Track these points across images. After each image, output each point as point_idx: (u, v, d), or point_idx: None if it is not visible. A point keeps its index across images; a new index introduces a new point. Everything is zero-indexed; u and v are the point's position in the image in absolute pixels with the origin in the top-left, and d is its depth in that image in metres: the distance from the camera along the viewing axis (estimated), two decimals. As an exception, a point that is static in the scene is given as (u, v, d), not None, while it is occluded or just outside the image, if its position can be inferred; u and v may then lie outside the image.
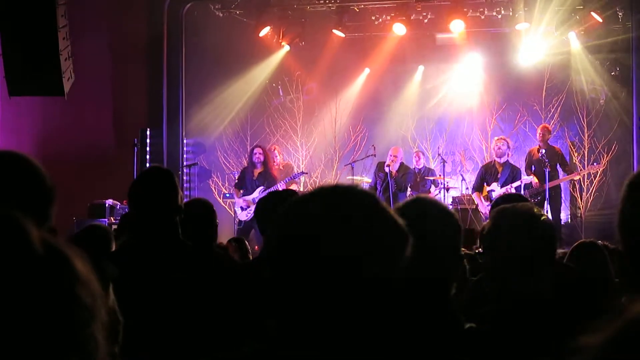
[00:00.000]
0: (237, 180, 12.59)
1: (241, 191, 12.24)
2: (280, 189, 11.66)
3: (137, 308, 2.72)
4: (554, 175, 11.69)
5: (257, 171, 12.12)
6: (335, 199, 1.41)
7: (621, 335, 1.01)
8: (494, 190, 11.42)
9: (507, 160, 11.72)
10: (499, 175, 11.55)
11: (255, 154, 12.19)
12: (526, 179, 11.55)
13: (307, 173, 13.56)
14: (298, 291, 1.35)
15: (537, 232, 2.58)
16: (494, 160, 11.82)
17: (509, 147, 11.80)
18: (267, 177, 12.03)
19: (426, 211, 2.18)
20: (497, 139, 11.97)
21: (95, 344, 1.07)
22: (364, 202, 1.42)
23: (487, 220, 2.71)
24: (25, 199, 2.02)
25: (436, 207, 2.24)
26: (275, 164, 12.88)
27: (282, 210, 1.43)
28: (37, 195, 2.05)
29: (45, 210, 2.05)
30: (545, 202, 11.29)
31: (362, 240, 1.36)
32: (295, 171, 13.52)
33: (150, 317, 3.10)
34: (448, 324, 2.09)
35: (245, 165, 12.82)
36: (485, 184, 11.75)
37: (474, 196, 11.95)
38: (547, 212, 11.20)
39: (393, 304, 1.40)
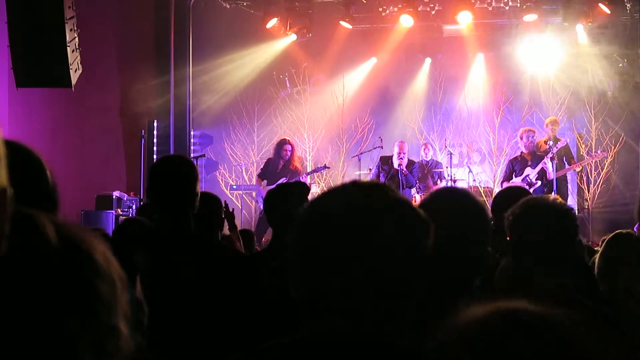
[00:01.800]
0: (261, 170, 12.73)
1: (264, 181, 12.33)
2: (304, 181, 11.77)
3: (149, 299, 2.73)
4: (560, 167, 11.67)
5: (281, 164, 12.41)
6: (360, 192, 1.42)
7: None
8: (529, 175, 11.39)
9: (534, 149, 11.69)
10: (529, 163, 11.53)
11: (285, 150, 12.45)
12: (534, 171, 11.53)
13: (329, 167, 13.55)
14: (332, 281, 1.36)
15: (563, 223, 2.59)
16: (522, 152, 11.75)
17: (534, 137, 11.76)
18: (289, 171, 12.18)
19: (458, 202, 2.18)
20: (527, 130, 11.85)
21: (117, 336, 1.07)
22: (387, 194, 1.43)
23: (513, 211, 2.70)
24: (31, 189, 2.02)
25: (468, 198, 2.23)
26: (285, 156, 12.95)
27: (303, 209, 1.44)
28: (42, 185, 2.05)
29: (51, 199, 2.05)
30: (553, 193, 11.27)
31: (393, 230, 1.37)
32: (306, 165, 13.56)
33: (159, 308, 3.11)
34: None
35: (271, 157, 12.87)
36: (514, 175, 11.71)
37: (504, 185, 11.85)
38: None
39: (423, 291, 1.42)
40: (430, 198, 2.24)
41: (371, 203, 1.39)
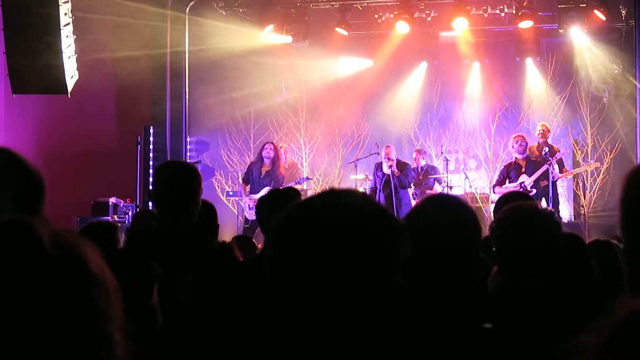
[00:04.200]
0: (244, 175, 12.56)
1: (248, 186, 12.18)
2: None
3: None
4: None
5: (264, 168, 12.04)
6: (334, 199, 1.43)
7: (614, 336, 1.03)
8: (524, 182, 11.40)
9: (527, 155, 11.69)
10: (523, 170, 11.54)
11: (266, 149, 12.09)
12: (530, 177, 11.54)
13: (312, 178, 13.53)
14: (302, 291, 1.36)
15: (544, 228, 2.62)
16: (516, 158, 11.76)
17: (527, 142, 11.76)
18: (273, 177, 11.97)
19: (447, 208, 2.18)
20: (515, 137, 11.88)
21: (112, 344, 1.07)
22: (359, 200, 1.43)
23: (493, 219, 2.73)
24: (16, 192, 2.02)
25: (457, 204, 2.24)
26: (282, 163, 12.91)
27: (285, 211, 1.44)
28: (27, 188, 2.05)
29: (36, 202, 2.05)
30: (547, 199, 11.27)
31: (364, 236, 1.37)
32: (300, 171, 13.51)
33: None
34: (465, 325, 2.09)
35: (253, 160, 12.76)
36: (507, 181, 11.71)
37: (496, 189, 11.86)
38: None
39: (404, 302, 1.41)
40: (419, 206, 2.24)
41: (339, 212, 1.39)
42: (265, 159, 12.03)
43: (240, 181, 12.76)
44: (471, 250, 2.17)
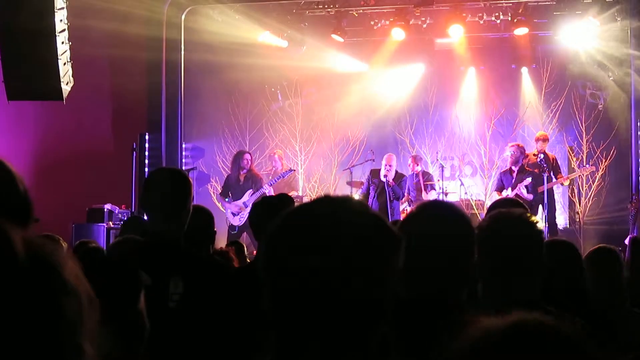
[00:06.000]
0: (222, 189, 12.61)
1: (227, 199, 12.23)
2: (268, 189, 11.74)
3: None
4: (548, 181, 11.69)
5: (242, 175, 12.23)
6: (325, 208, 1.42)
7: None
8: (508, 195, 11.44)
9: (521, 164, 11.73)
10: (513, 181, 11.62)
11: (245, 159, 12.32)
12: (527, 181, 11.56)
13: (294, 170, 13.54)
14: (290, 302, 1.35)
15: (529, 236, 2.62)
16: (510, 167, 11.85)
17: (522, 152, 11.80)
18: (253, 179, 12.11)
19: (441, 214, 2.18)
20: (510, 146, 11.98)
21: (81, 356, 1.06)
22: (355, 208, 1.42)
23: (480, 225, 2.73)
24: (3, 201, 2.00)
25: (451, 210, 2.23)
26: (274, 168, 12.89)
27: (279, 218, 1.43)
28: (14, 197, 2.02)
29: (25, 212, 2.02)
30: (543, 207, 11.29)
31: (352, 245, 1.36)
32: (297, 178, 13.51)
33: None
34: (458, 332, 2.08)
35: (229, 172, 12.85)
36: (504, 186, 11.81)
37: (494, 194, 11.98)
38: (544, 216, 11.23)
39: (395, 310, 1.41)
40: (414, 213, 2.23)
41: (334, 219, 1.39)
42: (244, 168, 12.27)
43: (219, 195, 12.79)
44: (466, 258, 2.17)
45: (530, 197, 11.32)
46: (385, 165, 11.87)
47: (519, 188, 11.39)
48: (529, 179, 11.50)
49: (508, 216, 2.66)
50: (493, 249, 2.61)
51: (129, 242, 4.01)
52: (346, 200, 1.45)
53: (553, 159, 11.99)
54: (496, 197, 11.77)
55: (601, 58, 13.66)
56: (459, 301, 2.12)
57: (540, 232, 2.70)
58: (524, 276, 2.61)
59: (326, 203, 1.44)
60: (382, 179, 11.78)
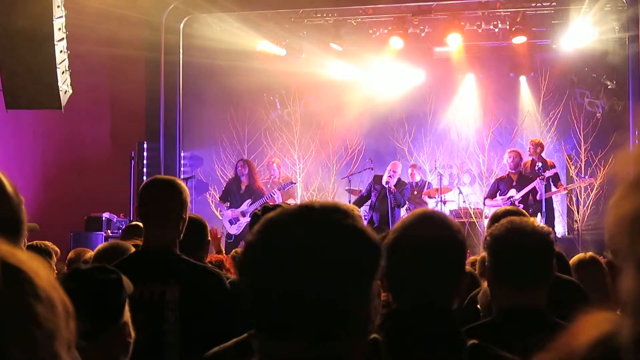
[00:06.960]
0: (222, 193, 12.61)
1: (226, 204, 12.24)
2: (269, 200, 11.69)
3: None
4: (547, 189, 11.70)
5: (243, 184, 12.24)
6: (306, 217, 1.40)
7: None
8: (513, 196, 11.44)
9: (520, 170, 11.75)
10: (514, 184, 11.61)
11: (237, 167, 12.37)
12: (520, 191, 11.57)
13: (295, 183, 13.52)
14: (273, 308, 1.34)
15: (541, 246, 2.63)
16: (509, 172, 11.85)
17: (521, 158, 11.82)
18: (253, 190, 12.07)
19: (432, 225, 2.18)
20: (510, 152, 11.99)
21: None
22: (335, 216, 1.41)
23: (492, 232, 2.74)
24: None
25: (442, 220, 2.24)
26: (272, 177, 12.88)
27: (254, 230, 1.41)
28: (4, 208, 2.01)
29: (15, 224, 2.01)
30: (541, 214, 11.28)
31: (336, 255, 1.34)
32: (295, 187, 13.49)
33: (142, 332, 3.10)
34: (451, 341, 2.08)
35: (230, 178, 12.85)
36: (498, 194, 11.77)
37: (486, 202, 11.96)
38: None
39: (390, 320, 1.40)
40: (406, 224, 2.23)
41: (309, 229, 1.37)
42: (241, 177, 12.23)
43: (218, 199, 12.79)
44: (456, 267, 2.17)
45: (541, 196, 11.32)
46: (390, 170, 11.84)
47: (539, 182, 11.31)
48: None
49: (522, 225, 2.67)
50: (505, 257, 2.64)
51: (117, 249, 4.01)
52: (325, 208, 1.41)
53: (551, 164, 11.99)
54: (488, 203, 11.82)
55: (599, 66, 13.68)
56: (448, 310, 2.12)
57: (552, 242, 2.71)
58: (533, 285, 2.63)
59: (303, 212, 1.41)
60: (384, 185, 11.75)
